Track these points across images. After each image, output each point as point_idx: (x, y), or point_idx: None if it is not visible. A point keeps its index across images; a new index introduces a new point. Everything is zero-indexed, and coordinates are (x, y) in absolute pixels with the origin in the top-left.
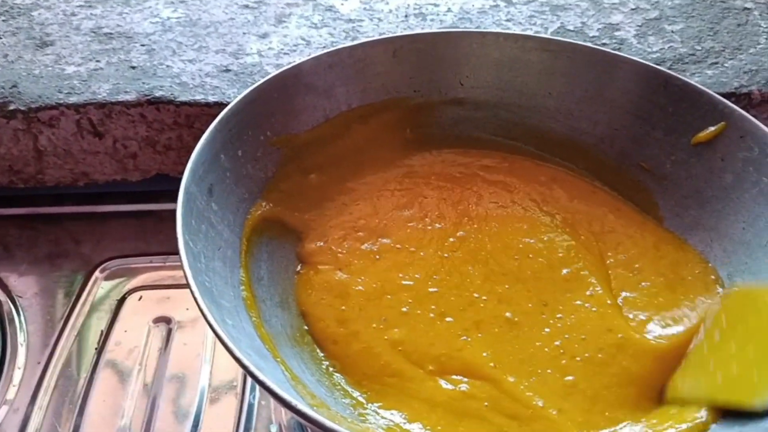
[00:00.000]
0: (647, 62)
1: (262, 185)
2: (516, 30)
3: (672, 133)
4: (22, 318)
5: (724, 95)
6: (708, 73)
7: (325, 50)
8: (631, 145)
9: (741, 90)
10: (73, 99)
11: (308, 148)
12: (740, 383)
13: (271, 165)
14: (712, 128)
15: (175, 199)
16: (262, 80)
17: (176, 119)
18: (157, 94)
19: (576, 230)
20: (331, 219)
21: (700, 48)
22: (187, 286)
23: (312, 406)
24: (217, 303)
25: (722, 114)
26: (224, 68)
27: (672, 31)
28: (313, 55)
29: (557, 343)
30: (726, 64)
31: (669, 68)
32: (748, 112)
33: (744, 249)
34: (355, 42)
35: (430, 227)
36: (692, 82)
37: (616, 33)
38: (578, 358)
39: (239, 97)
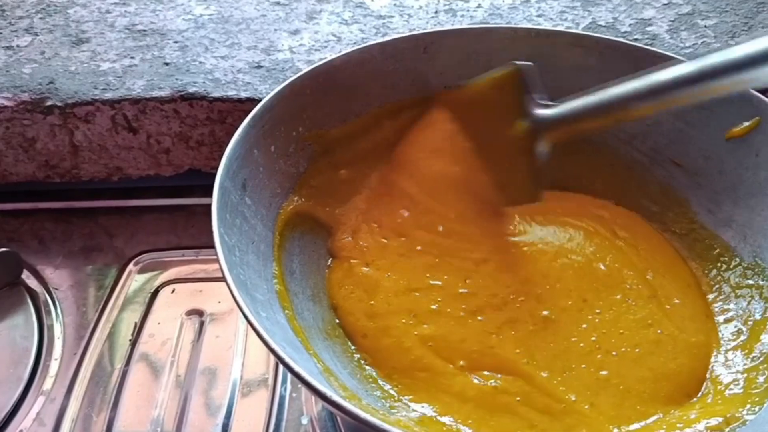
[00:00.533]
0: (681, 57)
1: (294, 180)
2: (547, 26)
3: (705, 128)
4: (59, 310)
5: (758, 90)
6: None
7: (356, 47)
8: (663, 141)
9: None
10: (108, 95)
11: (339, 143)
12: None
13: (303, 160)
14: (746, 123)
15: (207, 194)
16: (295, 76)
17: (209, 115)
18: (190, 90)
19: (605, 226)
20: (360, 214)
21: (734, 43)
22: (222, 278)
23: (345, 398)
24: (251, 296)
25: (757, 109)
26: (256, 64)
27: (705, 26)
28: (344, 52)
29: (593, 338)
30: None
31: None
32: None
33: None
34: (386, 38)
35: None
36: None
37: (648, 28)
38: (614, 353)
39: (272, 93)
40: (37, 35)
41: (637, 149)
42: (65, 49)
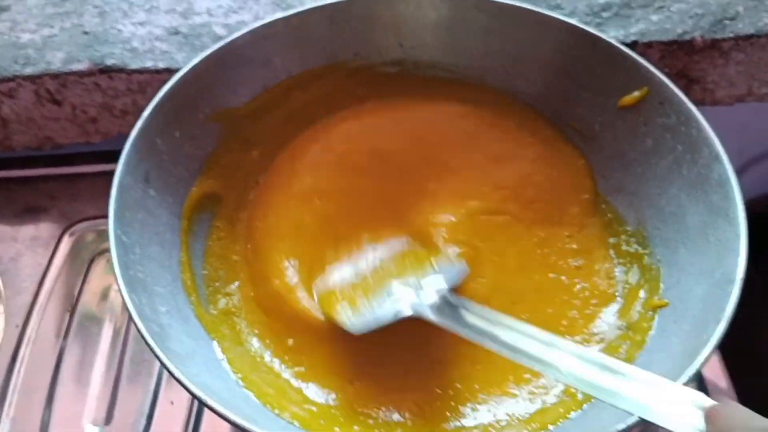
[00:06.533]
0: (576, 23)
1: (201, 162)
2: None
3: (600, 94)
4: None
5: (666, 43)
6: (653, 19)
7: (259, 22)
8: (563, 105)
9: (684, 37)
10: (28, 70)
11: (248, 120)
12: None
13: (211, 141)
14: (636, 93)
15: None
16: (196, 60)
17: (129, 86)
18: (108, 63)
19: None
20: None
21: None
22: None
23: (243, 383)
24: (149, 291)
25: (645, 78)
26: (174, 30)
27: None
28: (246, 29)
29: None
30: (672, 8)
31: (616, 13)
32: (690, 58)
33: (657, 214)
34: (289, 12)
35: None
36: (617, 44)
37: None
38: None
39: (171, 80)
40: None
41: (540, 112)
42: None
